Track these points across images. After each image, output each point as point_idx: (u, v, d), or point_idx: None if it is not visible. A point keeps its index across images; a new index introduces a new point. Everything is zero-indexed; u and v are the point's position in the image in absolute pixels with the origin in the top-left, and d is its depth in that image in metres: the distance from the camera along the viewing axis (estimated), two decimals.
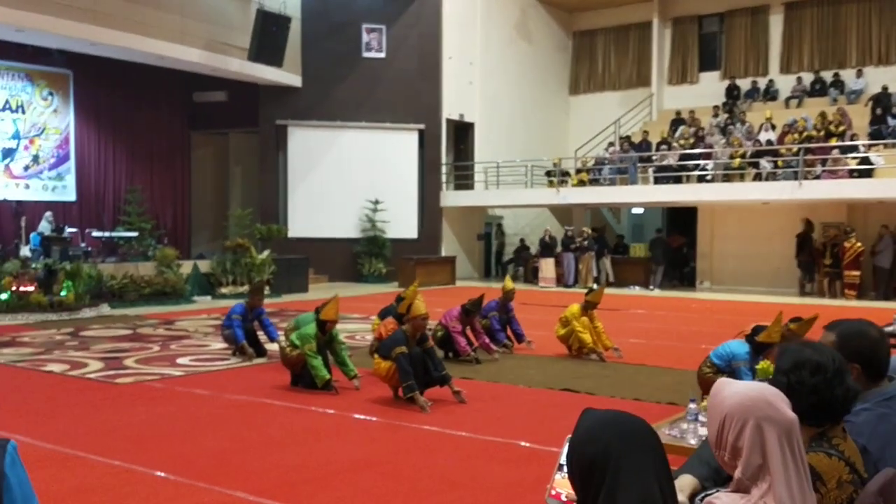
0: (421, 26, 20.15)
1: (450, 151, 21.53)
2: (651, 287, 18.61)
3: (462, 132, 21.83)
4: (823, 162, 16.59)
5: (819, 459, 2.05)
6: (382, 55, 20.10)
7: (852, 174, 16.09)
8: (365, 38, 20.02)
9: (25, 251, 14.29)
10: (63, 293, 12.74)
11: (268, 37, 17.20)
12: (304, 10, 19.56)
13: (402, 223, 20.13)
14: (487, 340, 8.65)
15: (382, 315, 8.37)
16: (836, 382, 2.11)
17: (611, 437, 1.56)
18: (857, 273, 16.16)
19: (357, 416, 6.01)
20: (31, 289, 12.40)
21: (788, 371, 2.15)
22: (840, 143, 16.87)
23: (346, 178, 19.91)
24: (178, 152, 21.13)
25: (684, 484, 2.38)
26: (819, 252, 17.03)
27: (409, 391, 6.15)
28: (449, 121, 20.84)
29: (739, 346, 5.97)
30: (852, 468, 2.08)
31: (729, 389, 1.89)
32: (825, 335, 2.58)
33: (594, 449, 1.57)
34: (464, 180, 21.56)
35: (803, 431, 2.21)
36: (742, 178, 17.79)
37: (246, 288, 14.22)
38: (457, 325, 8.36)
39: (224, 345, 8.91)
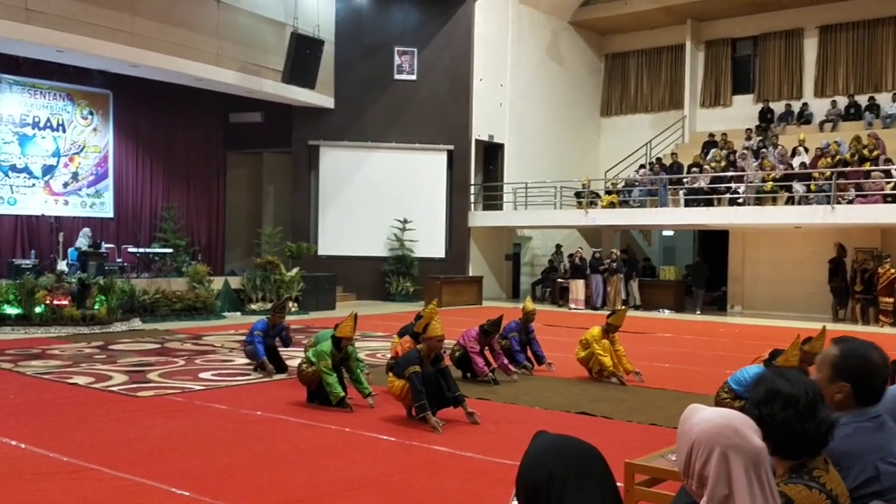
0: (452, 49, 20.33)
1: (479, 172, 21.62)
2: (697, 311, 18.49)
3: (492, 153, 21.91)
4: (857, 186, 16.30)
5: (798, 491, 1.98)
6: (414, 77, 20.30)
7: (886, 199, 15.78)
8: (397, 60, 20.26)
9: (62, 266, 14.60)
10: (96, 307, 13.02)
11: (301, 59, 17.44)
12: (337, 33, 19.87)
13: (431, 243, 20.22)
14: (506, 361, 8.63)
15: (402, 334, 8.42)
16: (808, 416, 2.03)
17: (555, 462, 1.56)
18: (890, 300, 15.79)
19: (369, 434, 6.04)
20: (64, 302, 12.69)
21: (760, 403, 2.09)
22: (873, 168, 16.57)
23: (376, 197, 20.09)
24: (214, 171, 21.50)
25: None
26: (851, 278, 16.69)
27: (421, 411, 6.16)
28: (478, 142, 20.92)
29: (757, 372, 5.91)
30: (834, 501, 2.01)
31: (698, 416, 1.84)
32: (830, 348, 2.52)
33: (539, 473, 1.56)
34: (492, 201, 21.60)
35: (780, 463, 2.12)
36: (774, 201, 17.55)
37: None
38: (475, 345, 8.34)
39: (247, 360, 9.05)
